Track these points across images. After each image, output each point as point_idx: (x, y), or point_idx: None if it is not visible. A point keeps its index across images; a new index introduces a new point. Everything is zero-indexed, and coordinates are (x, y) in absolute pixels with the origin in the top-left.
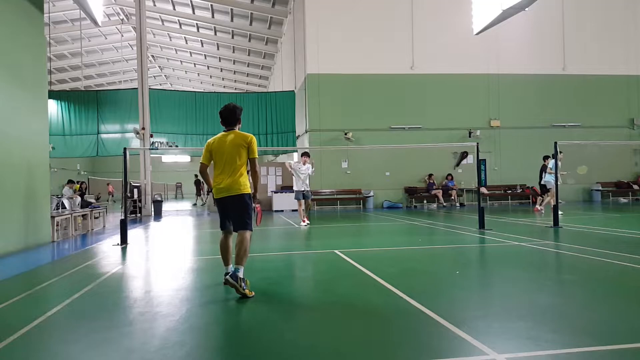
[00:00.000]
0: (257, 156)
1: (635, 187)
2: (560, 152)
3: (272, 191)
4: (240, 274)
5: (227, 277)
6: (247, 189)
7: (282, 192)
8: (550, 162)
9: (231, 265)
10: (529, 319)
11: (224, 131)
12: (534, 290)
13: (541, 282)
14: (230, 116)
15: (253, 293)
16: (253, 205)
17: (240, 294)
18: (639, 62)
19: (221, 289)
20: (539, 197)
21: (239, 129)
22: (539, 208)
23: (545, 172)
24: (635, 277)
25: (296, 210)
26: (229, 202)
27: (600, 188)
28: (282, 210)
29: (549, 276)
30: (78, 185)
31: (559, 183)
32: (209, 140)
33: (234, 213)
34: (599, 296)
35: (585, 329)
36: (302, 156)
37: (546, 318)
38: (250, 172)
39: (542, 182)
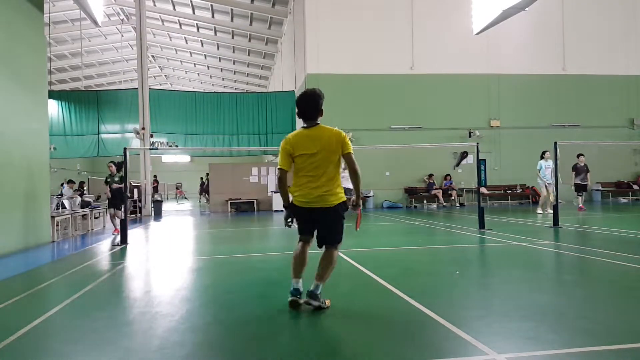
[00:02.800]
0: (352, 151)
1: (635, 187)
2: (546, 151)
3: (272, 191)
4: (319, 291)
5: (306, 299)
6: (343, 196)
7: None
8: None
9: (300, 280)
10: (529, 319)
11: (303, 127)
12: (533, 290)
13: (541, 282)
14: (312, 106)
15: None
16: (350, 209)
17: (321, 309)
18: (639, 62)
19: (221, 289)
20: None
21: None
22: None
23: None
24: (635, 277)
25: None
26: (320, 215)
27: (600, 188)
28: (282, 210)
29: (549, 276)
30: (75, 185)
31: (551, 182)
32: (287, 137)
33: (325, 227)
34: (599, 296)
35: (585, 329)
36: None
37: (546, 318)
38: (347, 170)
39: (578, 182)
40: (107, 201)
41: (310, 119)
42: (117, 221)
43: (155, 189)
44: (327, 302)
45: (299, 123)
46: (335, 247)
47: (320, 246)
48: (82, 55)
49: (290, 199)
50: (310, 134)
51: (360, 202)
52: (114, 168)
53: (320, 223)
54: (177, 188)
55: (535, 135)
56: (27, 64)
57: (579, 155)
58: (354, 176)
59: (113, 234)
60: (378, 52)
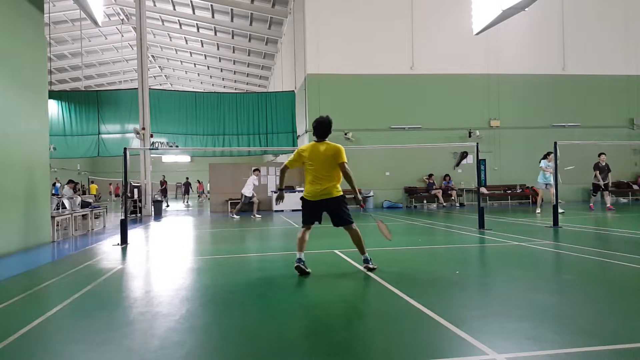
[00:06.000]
0: (345, 160)
1: (635, 187)
2: (550, 153)
3: (272, 191)
4: (367, 258)
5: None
6: (341, 192)
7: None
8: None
9: (302, 253)
10: (529, 319)
11: (315, 141)
12: (533, 290)
13: (541, 282)
14: (323, 129)
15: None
16: (360, 205)
17: (374, 269)
18: (639, 62)
19: (221, 289)
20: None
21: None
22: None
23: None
24: (635, 277)
25: (297, 210)
26: (328, 204)
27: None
28: (282, 210)
29: (549, 276)
30: (72, 185)
31: (554, 183)
32: (301, 147)
33: (335, 213)
34: (599, 296)
35: (585, 329)
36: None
37: (546, 318)
38: (343, 176)
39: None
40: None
41: (320, 137)
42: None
43: (164, 191)
44: (374, 265)
45: (299, 123)
46: (350, 224)
47: (336, 226)
48: (82, 55)
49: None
50: (318, 148)
51: (360, 198)
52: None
53: (329, 211)
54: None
55: (535, 135)
56: (28, 64)
57: (600, 155)
58: (347, 179)
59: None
60: (378, 52)
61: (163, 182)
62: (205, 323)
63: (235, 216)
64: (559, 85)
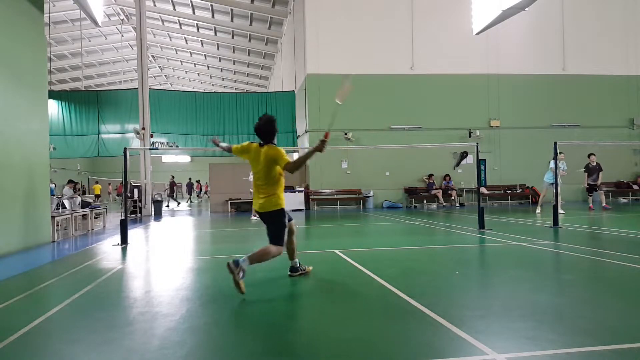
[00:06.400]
0: (287, 160)
1: (635, 187)
2: (561, 152)
3: None
4: (244, 265)
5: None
6: (281, 204)
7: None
8: (552, 163)
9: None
10: (529, 319)
11: (259, 143)
12: (533, 290)
13: (541, 282)
14: (268, 129)
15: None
16: (321, 144)
17: (235, 282)
18: (639, 62)
19: (221, 289)
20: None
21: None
22: (539, 211)
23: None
24: (635, 277)
25: (296, 210)
26: (264, 217)
27: (602, 188)
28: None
29: (549, 276)
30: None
31: (559, 183)
32: (252, 144)
33: (267, 227)
34: (599, 296)
35: (585, 329)
36: None
37: (546, 318)
38: (294, 168)
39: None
40: None
41: (265, 139)
42: None
43: (172, 191)
44: (242, 287)
45: (299, 123)
46: (271, 246)
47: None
48: (82, 55)
49: None
50: (260, 152)
51: (318, 143)
52: None
53: (264, 223)
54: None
55: (535, 135)
56: (27, 64)
57: (589, 155)
58: (299, 164)
59: None
60: (378, 52)
61: (173, 183)
62: (205, 323)
63: (254, 217)
64: (559, 85)
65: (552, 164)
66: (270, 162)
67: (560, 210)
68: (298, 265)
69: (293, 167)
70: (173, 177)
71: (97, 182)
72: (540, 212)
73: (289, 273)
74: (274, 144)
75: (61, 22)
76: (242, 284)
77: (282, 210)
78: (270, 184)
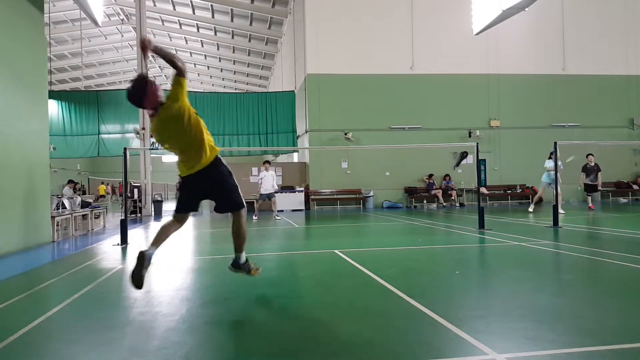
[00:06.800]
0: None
1: (635, 187)
2: (552, 152)
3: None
4: (242, 260)
5: (230, 267)
6: (216, 152)
7: (282, 192)
8: (547, 162)
9: (155, 248)
10: (529, 319)
11: (150, 116)
12: (533, 290)
13: (541, 282)
14: (140, 93)
15: (259, 268)
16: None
17: (251, 274)
18: (639, 62)
19: (221, 289)
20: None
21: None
22: (531, 210)
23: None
24: (635, 277)
25: (297, 210)
26: (203, 179)
27: (600, 188)
28: (282, 210)
29: (549, 276)
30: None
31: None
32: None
33: (216, 190)
34: (599, 296)
35: (585, 329)
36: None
37: (546, 318)
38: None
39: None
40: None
41: (148, 105)
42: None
43: None
44: (255, 271)
45: (299, 123)
46: (239, 211)
47: (222, 212)
48: (82, 55)
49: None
50: (161, 119)
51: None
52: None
53: (208, 187)
54: None
55: (535, 135)
56: (27, 64)
57: (588, 155)
58: (177, 63)
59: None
60: (378, 52)
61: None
62: (205, 323)
63: (278, 217)
64: (559, 85)
65: (546, 164)
66: (181, 112)
67: (560, 210)
68: (245, 260)
69: (177, 65)
70: None
71: (102, 183)
72: (532, 210)
73: (230, 266)
74: (162, 100)
75: (61, 22)
76: (256, 271)
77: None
78: (200, 137)
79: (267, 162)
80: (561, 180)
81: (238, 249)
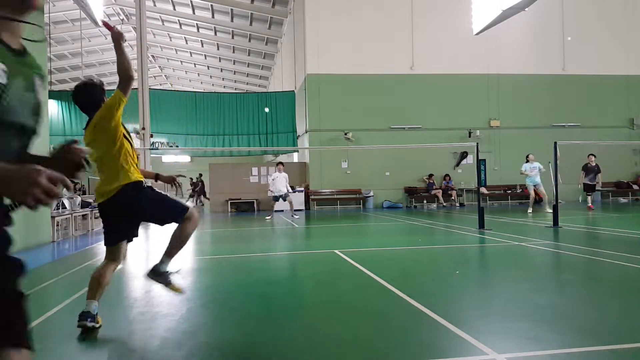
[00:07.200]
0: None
1: (635, 187)
2: (529, 154)
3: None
4: (166, 268)
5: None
6: (137, 176)
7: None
8: (523, 166)
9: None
10: (529, 318)
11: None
12: (533, 290)
13: (541, 282)
14: (88, 98)
15: (181, 289)
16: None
17: (169, 288)
18: (639, 62)
19: (221, 289)
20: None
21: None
22: (530, 211)
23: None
24: (635, 277)
25: (297, 210)
26: (121, 205)
27: (600, 188)
28: (282, 210)
29: (549, 276)
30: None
31: (537, 183)
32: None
33: (145, 211)
34: (599, 296)
35: (585, 329)
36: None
37: (546, 318)
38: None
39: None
40: None
41: (90, 112)
42: None
43: (202, 190)
44: (174, 288)
45: (299, 123)
46: (184, 218)
47: (163, 224)
48: (82, 55)
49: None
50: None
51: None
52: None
53: (134, 211)
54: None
55: (535, 135)
56: None
57: (589, 155)
58: (127, 71)
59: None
60: (378, 52)
61: (198, 182)
62: (205, 323)
63: (296, 215)
64: (559, 85)
65: (523, 167)
66: (105, 122)
67: (547, 209)
68: (165, 270)
69: (124, 73)
70: (201, 174)
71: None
72: (531, 212)
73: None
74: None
75: (61, 22)
76: (174, 286)
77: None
78: (112, 157)
79: (281, 163)
80: (539, 181)
81: (168, 253)
